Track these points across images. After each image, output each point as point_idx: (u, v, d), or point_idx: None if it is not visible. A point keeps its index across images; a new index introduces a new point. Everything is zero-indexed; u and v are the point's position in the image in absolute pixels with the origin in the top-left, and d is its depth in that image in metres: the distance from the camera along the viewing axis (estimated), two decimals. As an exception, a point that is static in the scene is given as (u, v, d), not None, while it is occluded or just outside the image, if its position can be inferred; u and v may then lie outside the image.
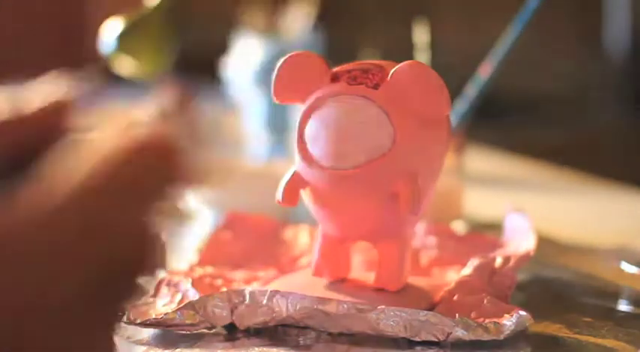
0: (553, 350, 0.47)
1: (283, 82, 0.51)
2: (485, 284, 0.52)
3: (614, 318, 0.51)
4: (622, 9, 2.76)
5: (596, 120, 2.64)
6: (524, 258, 0.55)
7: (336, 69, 0.51)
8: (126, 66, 1.13)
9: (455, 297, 0.50)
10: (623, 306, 0.54)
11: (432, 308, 0.49)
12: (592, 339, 0.48)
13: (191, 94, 1.47)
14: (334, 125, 0.49)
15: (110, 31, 1.11)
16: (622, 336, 0.48)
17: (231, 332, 0.49)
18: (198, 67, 1.84)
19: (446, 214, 0.75)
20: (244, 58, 1.27)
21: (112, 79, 1.39)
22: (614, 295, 0.56)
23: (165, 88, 1.38)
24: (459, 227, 0.76)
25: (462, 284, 0.51)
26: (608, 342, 0.47)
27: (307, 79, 0.50)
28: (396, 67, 0.49)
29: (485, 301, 0.49)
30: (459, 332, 0.45)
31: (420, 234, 0.63)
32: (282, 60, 0.51)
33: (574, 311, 0.52)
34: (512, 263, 0.54)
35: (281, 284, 0.52)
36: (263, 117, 1.24)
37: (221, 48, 1.48)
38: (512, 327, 0.46)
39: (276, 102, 0.52)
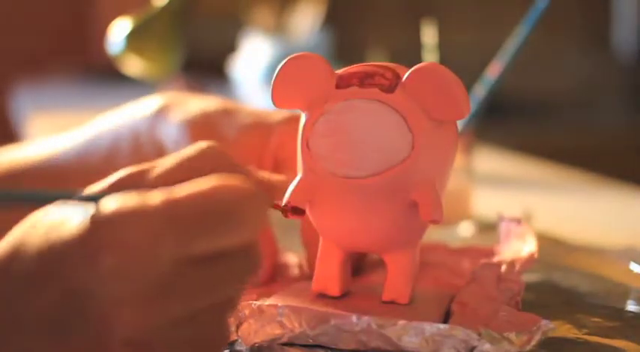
0: (561, 351, 0.47)
1: (283, 87, 0.48)
2: (495, 291, 0.50)
3: (622, 319, 0.51)
4: (631, 10, 2.75)
5: (605, 120, 2.64)
6: (529, 262, 0.53)
7: (340, 71, 0.48)
8: (134, 66, 1.13)
9: (468, 307, 0.48)
10: (632, 307, 0.53)
11: (445, 319, 0.47)
12: (601, 340, 0.48)
13: (199, 94, 1.46)
14: (348, 131, 0.46)
15: (119, 30, 1.11)
16: (631, 337, 0.48)
17: (233, 349, 0.45)
18: (206, 66, 1.85)
19: (455, 215, 0.75)
20: (252, 58, 1.27)
21: (120, 79, 1.39)
22: (623, 296, 0.56)
23: (173, 88, 1.38)
24: (467, 228, 0.75)
25: (473, 294, 0.49)
26: (617, 343, 0.47)
27: (310, 83, 0.47)
28: (412, 68, 0.46)
29: (500, 311, 0.47)
30: (486, 346, 0.43)
31: None
32: (281, 63, 0.48)
33: (583, 312, 0.52)
34: (517, 268, 0.52)
35: (279, 300, 0.48)
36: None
37: (229, 48, 1.48)
38: (539, 338, 0.44)
39: (276, 107, 0.49)
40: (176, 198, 0.32)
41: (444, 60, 0.80)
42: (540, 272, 0.60)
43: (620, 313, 0.52)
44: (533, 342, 0.44)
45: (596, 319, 0.51)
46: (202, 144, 0.37)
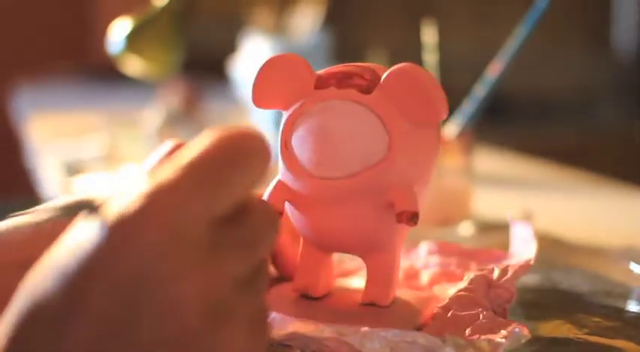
0: (562, 351, 0.47)
1: (263, 87, 0.48)
2: (482, 298, 0.49)
3: (623, 319, 0.51)
4: (631, 10, 2.75)
5: (605, 120, 2.64)
6: (523, 268, 0.52)
7: (320, 72, 0.48)
8: (134, 66, 1.13)
9: (449, 314, 0.47)
10: (632, 307, 0.53)
11: (423, 324, 0.47)
12: (601, 340, 0.48)
13: (199, 94, 1.47)
14: (325, 132, 0.46)
15: (119, 31, 1.11)
16: (631, 337, 0.48)
17: None
18: (206, 66, 1.85)
19: (454, 215, 0.75)
20: (252, 58, 1.27)
21: (121, 79, 1.39)
22: (624, 296, 0.56)
23: (173, 88, 1.38)
24: (467, 228, 0.75)
25: (457, 300, 0.49)
26: (617, 342, 0.47)
27: (289, 84, 0.48)
28: (390, 70, 0.46)
29: (481, 317, 0.47)
30: None
31: (423, 254, 0.59)
32: (261, 63, 0.48)
33: (583, 312, 0.52)
34: (510, 274, 0.51)
35: None
36: (271, 117, 1.24)
37: (229, 48, 1.48)
38: (507, 344, 0.44)
39: (256, 107, 0.49)
40: (186, 162, 0.31)
41: (443, 60, 0.80)
42: (540, 273, 0.60)
43: (620, 313, 0.52)
44: (501, 349, 0.43)
45: (596, 319, 0.51)
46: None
